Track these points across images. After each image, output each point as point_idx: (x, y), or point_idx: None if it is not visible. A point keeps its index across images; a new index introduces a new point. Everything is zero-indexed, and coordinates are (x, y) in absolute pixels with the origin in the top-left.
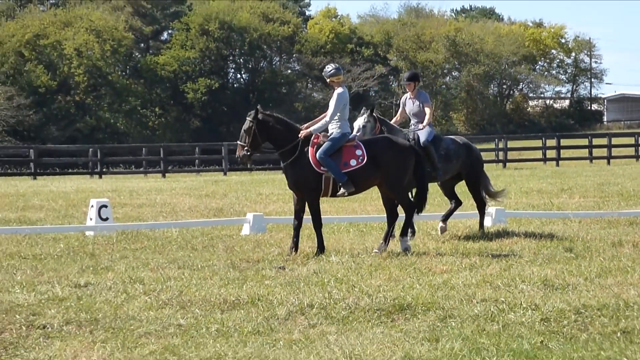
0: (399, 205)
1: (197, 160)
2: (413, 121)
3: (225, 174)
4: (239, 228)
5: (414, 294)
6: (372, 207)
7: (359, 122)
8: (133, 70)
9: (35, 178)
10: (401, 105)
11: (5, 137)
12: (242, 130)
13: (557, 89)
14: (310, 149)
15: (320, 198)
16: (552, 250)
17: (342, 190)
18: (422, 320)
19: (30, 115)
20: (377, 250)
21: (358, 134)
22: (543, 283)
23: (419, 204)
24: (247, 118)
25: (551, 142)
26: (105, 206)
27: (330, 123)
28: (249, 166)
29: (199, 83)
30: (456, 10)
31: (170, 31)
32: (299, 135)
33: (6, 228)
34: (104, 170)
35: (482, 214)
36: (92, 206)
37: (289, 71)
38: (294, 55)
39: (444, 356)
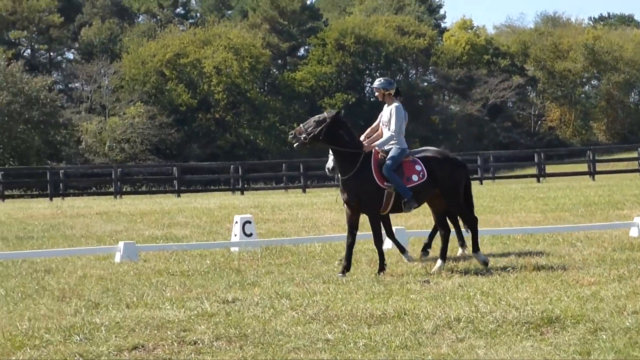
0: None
1: (336, 175)
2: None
3: None
4: None
5: (562, 306)
6: (514, 219)
7: None
8: (271, 86)
9: (179, 195)
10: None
11: (148, 156)
12: (313, 120)
13: None
14: (373, 164)
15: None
16: None
17: (405, 207)
18: (571, 333)
19: (172, 134)
20: (435, 270)
21: None
22: None
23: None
24: (325, 113)
25: None
26: (249, 222)
27: (394, 138)
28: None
29: (336, 98)
30: (594, 18)
31: (306, 47)
32: (363, 149)
33: (154, 245)
34: (245, 186)
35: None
36: (236, 222)
37: (425, 84)
38: (430, 68)
39: None
